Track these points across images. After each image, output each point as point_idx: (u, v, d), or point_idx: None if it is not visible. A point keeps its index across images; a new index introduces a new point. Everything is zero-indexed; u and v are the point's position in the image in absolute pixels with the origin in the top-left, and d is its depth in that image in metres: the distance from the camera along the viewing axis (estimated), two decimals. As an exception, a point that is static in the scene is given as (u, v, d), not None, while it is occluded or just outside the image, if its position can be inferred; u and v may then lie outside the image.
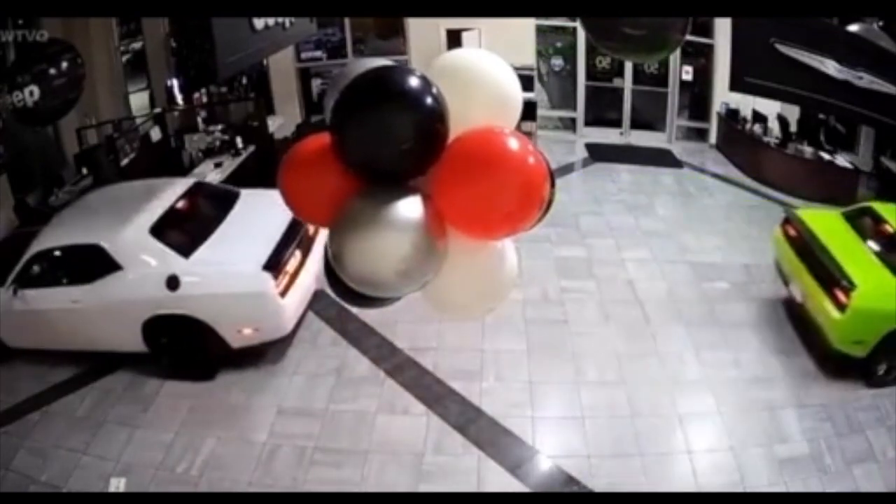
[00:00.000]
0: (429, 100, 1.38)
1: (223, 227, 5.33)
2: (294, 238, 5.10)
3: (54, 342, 5.23)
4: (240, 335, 4.89)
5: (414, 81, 1.39)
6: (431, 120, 1.39)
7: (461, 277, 1.55)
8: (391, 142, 1.37)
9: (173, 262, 4.85)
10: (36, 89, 4.62)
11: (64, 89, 4.94)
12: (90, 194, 6.13)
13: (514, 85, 1.60)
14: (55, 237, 5.14)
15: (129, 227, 4.96)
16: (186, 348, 4.96)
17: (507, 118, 1.57)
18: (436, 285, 1.49)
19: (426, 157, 1.42)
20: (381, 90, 1.40)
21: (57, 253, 5.01)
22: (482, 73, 1.55)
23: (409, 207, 1.38)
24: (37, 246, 5.06)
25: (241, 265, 4.88)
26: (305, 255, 5.26)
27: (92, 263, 4.85)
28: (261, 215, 5.27)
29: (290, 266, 5.00)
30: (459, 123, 1.44)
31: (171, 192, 5.46)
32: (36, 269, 5.01)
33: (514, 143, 1.44)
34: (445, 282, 1.50)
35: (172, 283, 4.75)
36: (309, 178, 1.53)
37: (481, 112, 1.50)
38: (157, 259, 4.86)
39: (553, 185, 1.54)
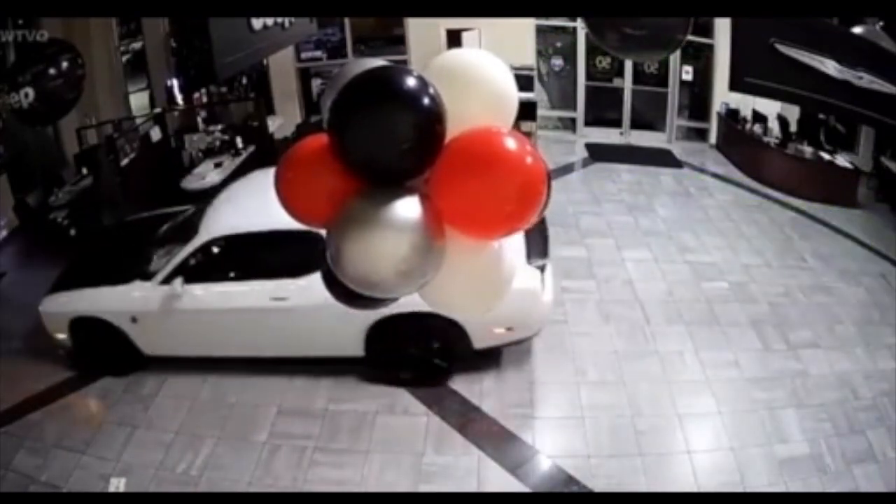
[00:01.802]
0: (427, 100, 1.38)
1: None
2: (535, 231, 4.71)
3: (225, 347, 4.80)
4: (490, 334, 4.58)
5: (412, 81, 1.39)
6: (430, 120, 1.39)
7: (459, 277, 1.55)
8: (389, 142, 1.37)
9: None
10: (31, 91, 4.61)
11: (62, 90, 4.94)
12: (258, 172, 5.45)
13: (510, 84, 1.60)
14: (235, 221, 4.60)
15: None
16: (415, 351, 4.62)
17: (504, 118, 1.57)
18: (434, 285, 1.49)
19: (424, 158, 1.42)
20: (380, 90, 1.40)
21: (240, 241, 4.47)
22: (478, 73, 1.55)
23: (408, 208, 1.38)
24: (209, 232, 4.57)
25: None
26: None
27: (301, 253, 3.93)
28: None
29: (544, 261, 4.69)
30: (456, 123, 1.44)
31: None
32: (208, 258, 4.53)
33: (511, 143, 1.44)
34: (443, 282, 1.50)
35: None
36: (307, 178, 1.52)
37: (478, 112, 1.50)
38: None
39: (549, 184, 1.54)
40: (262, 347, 4.84)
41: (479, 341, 4.62)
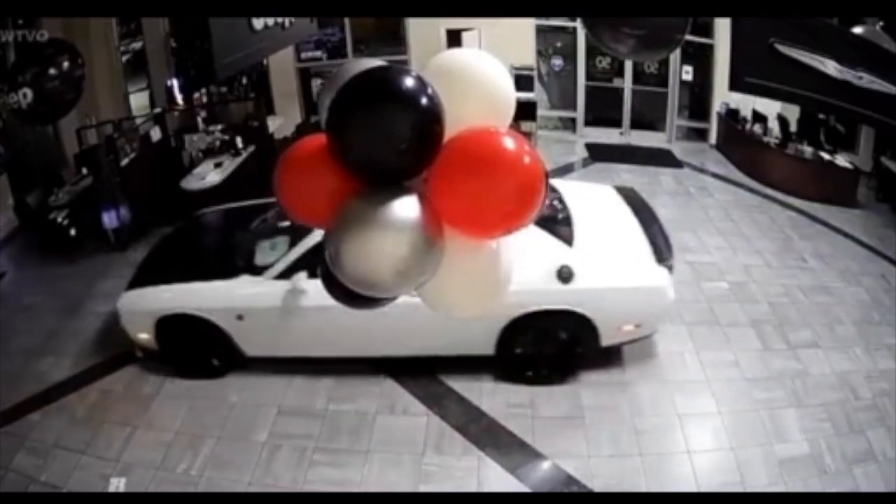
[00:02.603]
0: (425, 100, 1.39)
1: (575, 217, 4.89)
2: (657, 232, 4.93)
3: (341, 347, 4.72)
4: (618, 332, 4.61)
5: (410, 81, 1.40)
6: (428, 120, 1.39)
7: (458, 277, 1.55)
8: (388, 142, 1.37)
9: (559, 251, 4.43)
10: (29, 92, 4.61)
11: (62, 90, 4.93)
12: None
13: (508, 84, 1.60)
14: None
15: None
16: (545, 350, 4.61)
17: (501, 117, 1.57)
18: (432, 285, 1.49)
19: (423, 158, 1.42)
20: (378, 90, 1.40)
21: None
22: (476, 73, 1.56)
23: (407, 208, 1.39)
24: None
25: (633, 258, 4.62)
26: None
27: None
28: (597, 205, 5.10)
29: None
30: (454, 123, 1.44)
31: None
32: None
33: (510, 143, 1.45)
34: (442, 281, 1.50)
35: (565, 275, 4.33)
36: (305, 179, 1.52)
37: (475, 111, 1.50)
38: (541, 247, 4.37)
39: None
40: (383, 346, 4.74)
41: (608, 338, 4.62)
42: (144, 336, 4.83)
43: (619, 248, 4.74)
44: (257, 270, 4.64)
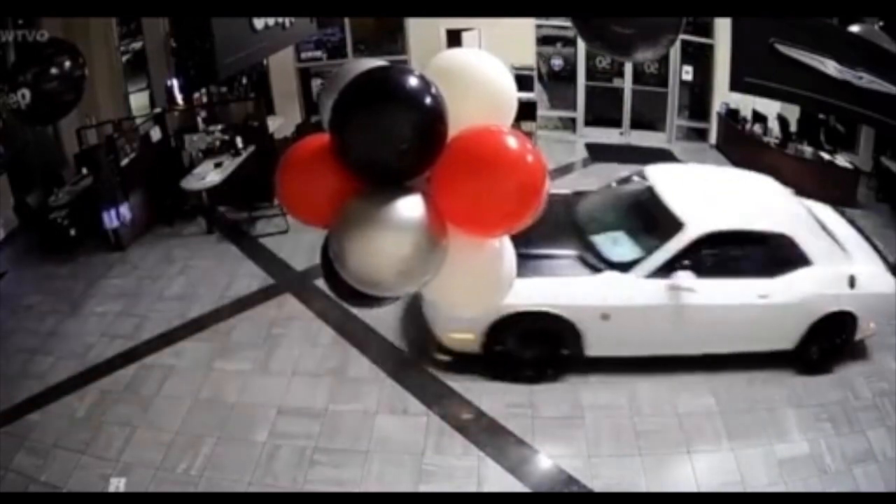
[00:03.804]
0: (429, 99, 1.39)
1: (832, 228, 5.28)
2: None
3: (684, 345, 4.75)
4: (864, 330, 4.94)
5: (414, 81, 1.40)
6: (432, 119, 1.39)
7: (460, 276, 1.55)
8: (392, 142, 1.37)
9: (844, 257, 4.85)
10: (28, 92, 4.60)
11: (61, 90, 4.93)
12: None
13: (510, 83, 1.60)
14: (722, 219, 4.63)
15: (802, 219, 4.97)
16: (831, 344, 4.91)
17: (503, 117, 1.58)
18: (435, 284, 1.50)
19: (426, 157, 1.42)
20: (382, 90, 1.40)
21: (721, 238, 4.54)
22: (477, 73, 1.56)
23: (410, 207, 1.39)
24: (699, 228, 4.51)
25: (880, 264, 5.00)
26: None
27: (774, 253, 4.62)
28: (830, 217, 5.44)
29: None
30: (455, 123, 1.45)
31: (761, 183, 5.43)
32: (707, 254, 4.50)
33: (513, 142, 1.45)
34: (445, 280, 1.50)
35: (852, 281, 4.71)
36: (307, 179, 1.53)
37: (477, 111, 1.51)
38: (836, 253, 4.80)
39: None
40: (716, 343, 4.78)
41: (858, 335, 4.95)
42: (468, 336, 4.58)
43: (870, 255, 5.10)
44: (617, 267, 4.61)
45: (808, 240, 4.71)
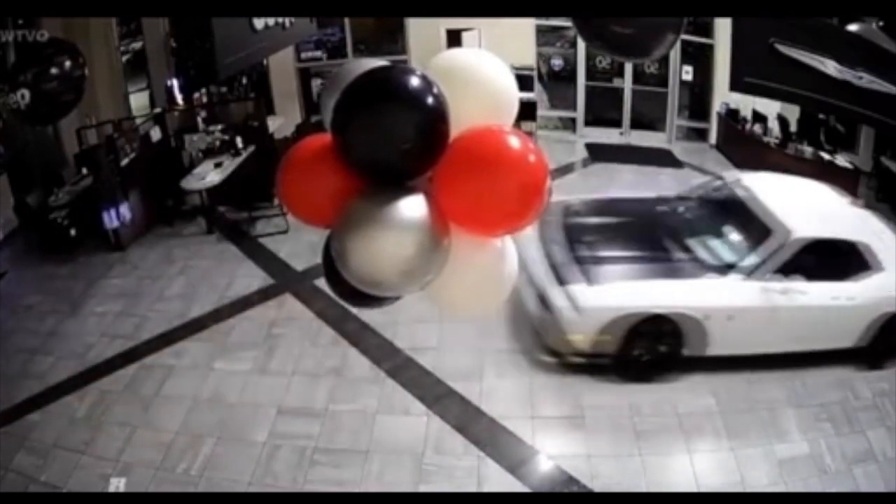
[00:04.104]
0: (431, 99, 1.39)
1: None
2: None
3: (765, 343, 4.93)
4: None
5: (416, 81, 1.40)
6: (434, 119, 1.39)
7: (463, 276, 1.55)
8: (394, 142, 1.37)
9: None
10: (27, 93, 4.60)
11: (60, 91, 4.93)
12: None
13: (511, 83, 1.60)
14: (816, 226, 4.90)
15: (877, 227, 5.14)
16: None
17: (504, 117, 1.58)
18: (438, 284, 1.49)
19: (428, 157, 1.42)
20: (384, 90, 1.40)
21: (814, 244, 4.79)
22: (479, 72, 1.56)
23: (412, 207, 1.39)
24: (798, 233, 4.78)
25: None
26: None
27: (853, 259, 4.87)
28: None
29: None
30: (457, 122, 1.44)
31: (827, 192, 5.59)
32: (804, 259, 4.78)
33: (515, 142, 1.45)
34: (448, 281, 1.50)
35: None
36: (309, 179, 1.52)
37: (478, 111, 1.50)
38: None
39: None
40: (780, 343, 4.94)
41: None
42: (605, 338, 4.69)
43: None
44: (718, 270, 4.84)
45: (880, 247, 4.98)
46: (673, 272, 4.88)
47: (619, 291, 4.73)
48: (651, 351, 4.80)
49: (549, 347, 5.01)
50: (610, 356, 4.78)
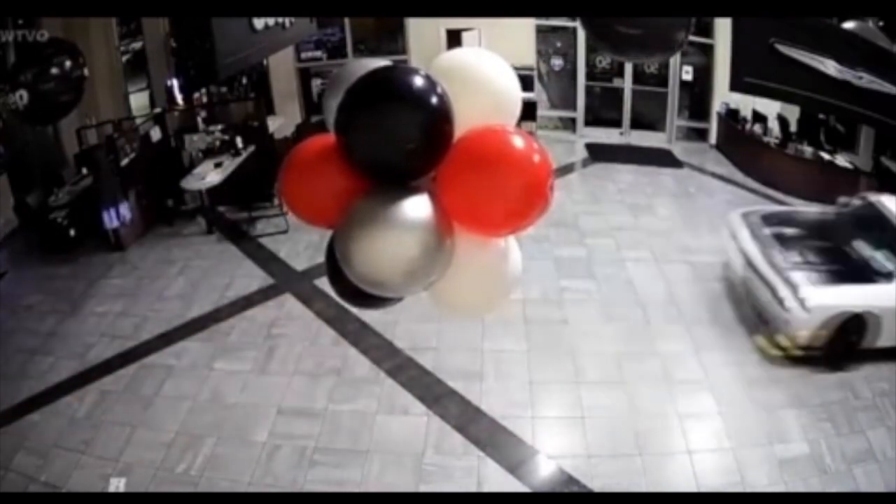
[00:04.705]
0: (435, 99, 1.39)
1: None
2: None
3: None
4: None
5: (419, 81, 1.39)
6: (438, 119, 1.39)
7: (466, 276, 1.55)
8: (398, 142, 1.37)
9: None
10: (26, 93, 4.59)
11: (60, 91, 4.92)
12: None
13: (514, 83, 1.60)
14: None
15: None
16: None
17: (507, 116, 1.57)
18: (441, 285, 1.49)
19: (432, 157, 1.42)
20: (388, 90, 1.40)
21: None
22: (482, 72, 1.55)
23: (416, 207, 1.38)
24: None
25: None
26: None
27: None
28: None
29: None
30: (460, 122, 1.44)
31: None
32: None
33: (519, 142, 1.45)
34: (451, 281, 1.50)
35: None
36: (312, 179, 1.52)
37: (481, 110, 1.50)
38: None
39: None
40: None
41: None
42: (821, 333, 5.13)
43: None
44: (884, 275, 5.37)
45: None
46: (858, 276, 5.44)
47: (834, 293, 5.26)
48: (845, 344, 5.19)
49: (774, 342, 5.32)
50: (820, 349, 5.19)
